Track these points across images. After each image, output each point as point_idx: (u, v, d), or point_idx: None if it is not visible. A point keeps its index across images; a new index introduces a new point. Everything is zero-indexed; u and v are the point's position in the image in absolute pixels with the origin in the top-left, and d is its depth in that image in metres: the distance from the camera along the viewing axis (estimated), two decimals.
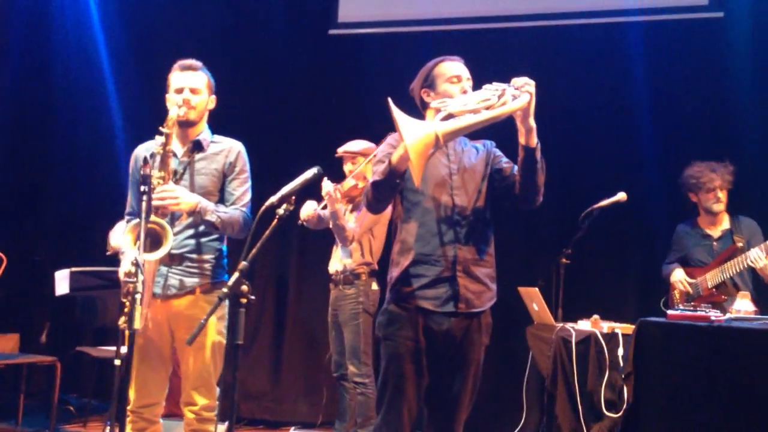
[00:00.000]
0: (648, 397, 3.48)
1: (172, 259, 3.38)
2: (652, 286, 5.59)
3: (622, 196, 4.64)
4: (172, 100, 3.46)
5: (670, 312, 3.57)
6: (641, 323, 3.57)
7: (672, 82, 5.70)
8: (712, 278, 4.66)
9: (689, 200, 4.88)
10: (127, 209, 3.59)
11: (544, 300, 4.73)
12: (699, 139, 5.60)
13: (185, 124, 3.47)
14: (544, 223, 5.77)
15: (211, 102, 3.57)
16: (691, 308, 3.59)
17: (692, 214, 4.99)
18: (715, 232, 4.80)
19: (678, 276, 4.82)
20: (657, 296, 5.30)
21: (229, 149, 3.54)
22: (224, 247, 3.55)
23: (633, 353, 3.54)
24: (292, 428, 4.50)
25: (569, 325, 4.53)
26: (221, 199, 3.50)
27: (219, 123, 3.68)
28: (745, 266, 4.50)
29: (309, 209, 4.84)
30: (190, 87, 3.46)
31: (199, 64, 3.55)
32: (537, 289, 4.78)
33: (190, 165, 3.48)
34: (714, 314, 3.51)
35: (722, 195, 4.72)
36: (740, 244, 4.62)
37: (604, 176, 5.63)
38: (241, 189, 3.52)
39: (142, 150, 3.55)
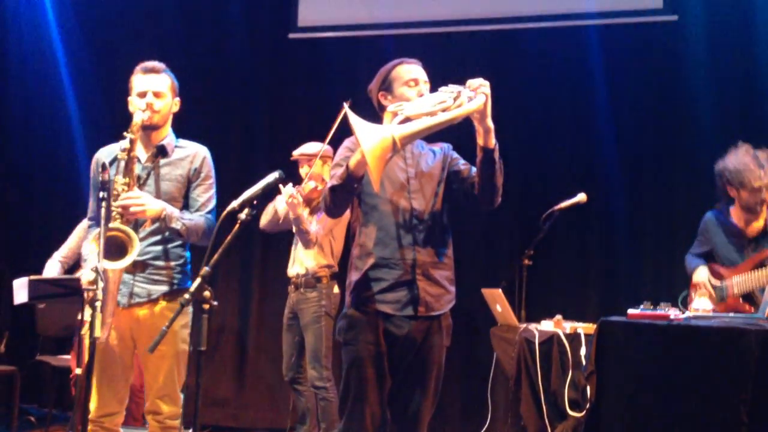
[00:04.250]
0: (610, 396, 3.51)
1: (135, 267, 3.31)
2: (614, 286, 5.66)
3: (582, 197, 4.69)
4: (135, 104, 3.40)
5: (630, 311, 3.61)
6: (602, 323, 3.61)
7: (629, 84, 5.77)
8: (739, 285, 4.09)
9: (724, 192, 4.25)
10: (89, 214, 3.53)
11: (507, 301, 4.75)
12: (656, 140, 5.68)
13: (149, 128, 3.41)
14: (506, 225, 5.81)
15: (175, 105, 3.51)
16: (651, 307, 3.62)
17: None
18: (750, 230, 4.20)
19: (702, 277, 4.22)
20: (619, 295, 5.36)
21: (194, 155, 3.49)
22: (188, 254, 3.51)
23: (594, 353, 3.57)
24: None
25: (532, 326, 4.56)
26: (185, 205, 3.46)
27: (178, 128, 3.64)
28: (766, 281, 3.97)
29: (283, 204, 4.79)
30: (153, 90, 3.40)
31: (161, 66, 3.48)
32: (500, 290, 4.80)
33: (155, 170, 3.43)
34: (673, 313, 3.56)
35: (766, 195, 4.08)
36: None
37: (564, 177, 5.69)
38: (206, 195, 3.48)
39: (104, 154, 3.49)
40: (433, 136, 3.00)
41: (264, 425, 5.96)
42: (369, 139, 2.75)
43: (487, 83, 2.92)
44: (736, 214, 4.26)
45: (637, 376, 3.46)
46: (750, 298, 4.09)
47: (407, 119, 2.89)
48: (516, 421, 4.56)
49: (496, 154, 3.03)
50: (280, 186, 4.60)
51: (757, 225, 4.21)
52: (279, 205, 5.00)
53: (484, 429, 5.20)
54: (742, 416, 3.17)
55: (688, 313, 3.67)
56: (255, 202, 2.81)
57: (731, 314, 3.87)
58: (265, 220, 5.10)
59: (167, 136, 3.49)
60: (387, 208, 3.10)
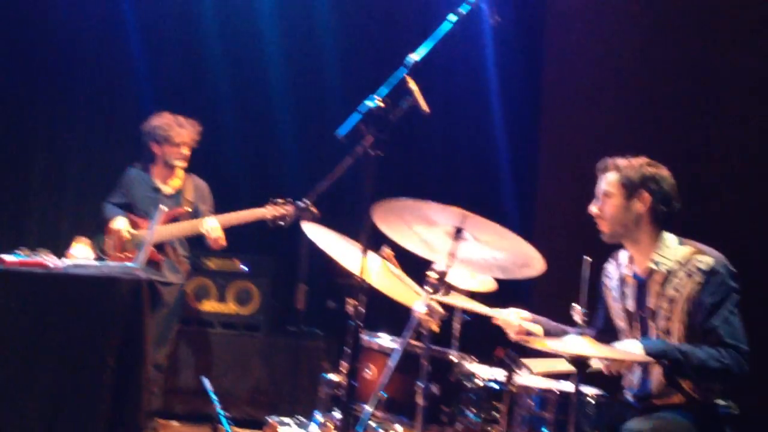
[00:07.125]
0: None
1: None
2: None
3: None
4: None
5: (6, 258, 3.52)
6: None
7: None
8: (153, 236, 4.23)
9: (149, 150, 4.61)
10: None
11: None
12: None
13: None
14: None
15: None
16: (28, 254, 3.58)
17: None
18: (167, 188, 4.62)
19: (120, 225, 4.45)
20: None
21: None
22: None
23: None
24: None
25: None
26: None
27: None
28: (198, 232, 4.41)
29: None
30: None
31: None
32: None
33: None
34: (51, 261, 3.57)
35: (187, 151, 4.59)
36: (188, 209, 4.53)
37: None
38: None
39: None
40: None
41: None
42: None
43: None
44: (156, 172, 4.66)
45: (12, 324, 3.38)
46: (161, 248, 4.47)
47: None
48: None
49: None
50: None
51: (174, 184, 4.65)
52: None
53: None
54: (108, 360, 3.33)
55: (67, 262, 3.72)
56: None
57: (111, 263, 4.05)
58: None
59: None
60: None
